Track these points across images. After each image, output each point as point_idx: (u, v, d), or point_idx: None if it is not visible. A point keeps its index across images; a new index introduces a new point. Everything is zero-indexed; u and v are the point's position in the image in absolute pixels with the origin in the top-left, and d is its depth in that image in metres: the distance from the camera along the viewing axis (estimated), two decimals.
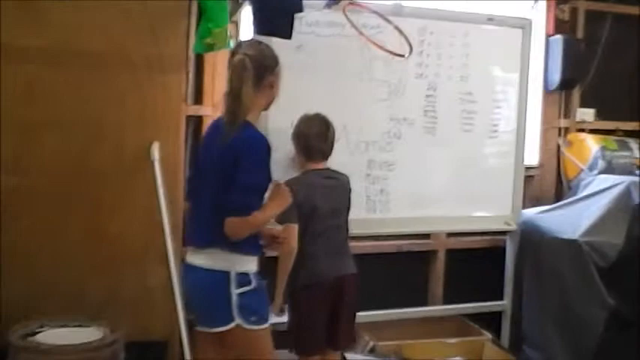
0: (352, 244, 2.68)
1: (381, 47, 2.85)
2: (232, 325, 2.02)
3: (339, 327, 2.52)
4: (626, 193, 3.12)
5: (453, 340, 3.16)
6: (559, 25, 3.58)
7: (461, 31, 3.11)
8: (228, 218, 1.95)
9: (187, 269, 2.12)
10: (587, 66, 3.62)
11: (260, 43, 2.14)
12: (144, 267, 2.72)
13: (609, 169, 3.42)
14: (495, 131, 3.23)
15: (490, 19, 3.16)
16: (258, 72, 2.02)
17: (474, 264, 3.44)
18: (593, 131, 3.67)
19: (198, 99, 2.94)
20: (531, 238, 3.29)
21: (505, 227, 3.30)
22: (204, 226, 2.06)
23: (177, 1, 2.78)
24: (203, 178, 2.09)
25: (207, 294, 2.05)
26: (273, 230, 2.26)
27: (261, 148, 2.02)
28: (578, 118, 3.69)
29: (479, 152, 3.21)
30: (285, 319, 2.51)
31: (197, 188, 2.13)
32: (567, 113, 3.70)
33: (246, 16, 2.76)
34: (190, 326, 2.39)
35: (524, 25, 3.26)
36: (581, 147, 3.58)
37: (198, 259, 2.06)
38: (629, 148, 3.56)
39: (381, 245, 3.29)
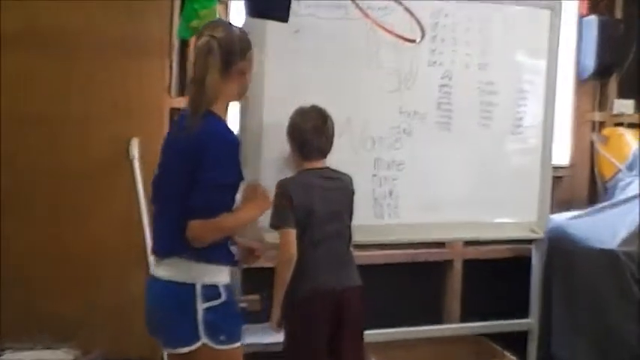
0: (357, 253, 2.60)
1: (389, 31, 2.75)
2: (198, 344, 1.93)
3: (342, 347, 2.42)
4: None
5: None
6: (593, 5, 3.52)
7: (480, 12, 2.98)
8: (191, 221, 1.88)
9: (149, 282, 2.05)
10: (625, 51, 3.53)
11: (230, 24, 2.09)
12: (122, 276, 2.65)
13: None
14: (519, 126, 3.10)
15: None
16: (226, 57, 1.95)
17: (495, 276, 3.36)
18: (632, 125, 3.60)
19: (183, 90, 2.86)
20: (561, 247, 3.20)
21: (531, 235, 3.16)
22: (166, 233, 1.99)
23: None
24: (166, 178, 2.03)
25: (169, 310, 1.95)
26: (251, 243, 2.19)
27: (226, 142, 1.94)
28: (615, 111, 3.63)
29: (500, 150, 3.09)
30: (280, 338, 2.42)
31: (160, 190, 2.06)
32: (603, 105, 3.66)
33: None
34: None
35: (553, 5, 3.11)
36: (618, 143, 3.53)
37: (160, 270, 1.99)
38: None
39: (390, 255, 3.23)
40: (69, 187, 2.59)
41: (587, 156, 3.59)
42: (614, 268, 2.94)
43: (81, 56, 2.58)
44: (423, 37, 2.81)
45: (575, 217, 3.25)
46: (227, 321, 1.95)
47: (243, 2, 2.45)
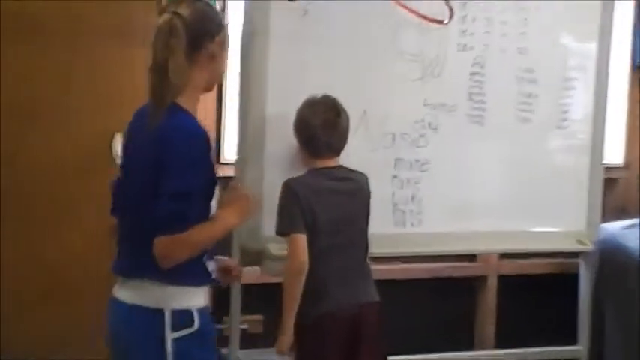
0: (374, 266, 2.47)
1: (412, 11, 2.62)
2: None
3: None
4: None
5: None
6: None
7: None
8: (157, 237, 1.71)
9: (111, 304, 1.88)
10: None
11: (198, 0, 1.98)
12: (103, 288, 2.43)
13: None
14: (565, 120, 2.93)
15: None
16: (192, 38, 1.79)
17: (535, 295, 3.24)
18: None
19: None
20: (614, 260, 3.04)
21: (578, 247, 2.99)
22: (129, 250, 1.84)
23: None
24: (127, 185, 1.87)
25: (133, 338, 1.80)
26: (226, 261, 2.05)
27: (194, 140, 1.77)
28: None
29: (542, 147, 2.94)
30: None
31: (120, 198, 1.91)
32: None
33: None
34: None
35: None
36: None
37: (123, 291, 1.83)
38: None
39: (413, 269, 3.14)
40: (42, 184, 2.55)
41: None
42: None
43: (58, 41, 2.54)
44: (451, 17, 2.68)
45: (630, 227, 3.10)
46: (201, 352, 1.80)
47: None
